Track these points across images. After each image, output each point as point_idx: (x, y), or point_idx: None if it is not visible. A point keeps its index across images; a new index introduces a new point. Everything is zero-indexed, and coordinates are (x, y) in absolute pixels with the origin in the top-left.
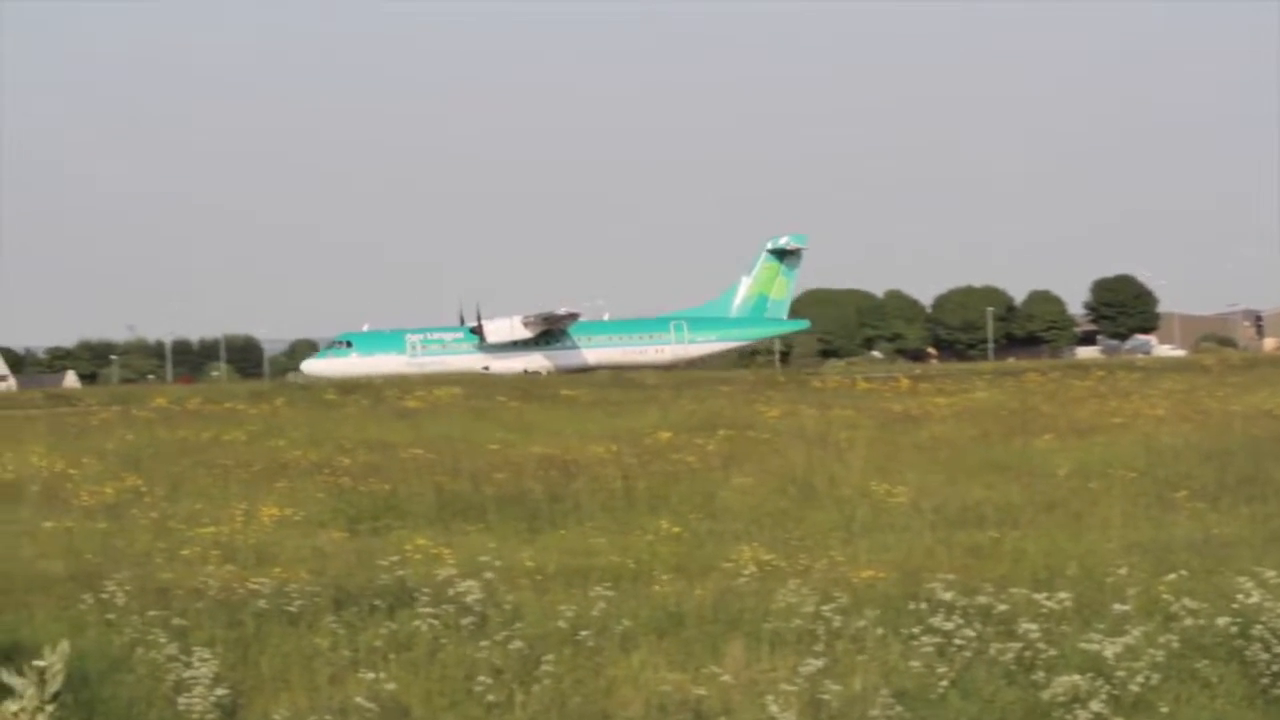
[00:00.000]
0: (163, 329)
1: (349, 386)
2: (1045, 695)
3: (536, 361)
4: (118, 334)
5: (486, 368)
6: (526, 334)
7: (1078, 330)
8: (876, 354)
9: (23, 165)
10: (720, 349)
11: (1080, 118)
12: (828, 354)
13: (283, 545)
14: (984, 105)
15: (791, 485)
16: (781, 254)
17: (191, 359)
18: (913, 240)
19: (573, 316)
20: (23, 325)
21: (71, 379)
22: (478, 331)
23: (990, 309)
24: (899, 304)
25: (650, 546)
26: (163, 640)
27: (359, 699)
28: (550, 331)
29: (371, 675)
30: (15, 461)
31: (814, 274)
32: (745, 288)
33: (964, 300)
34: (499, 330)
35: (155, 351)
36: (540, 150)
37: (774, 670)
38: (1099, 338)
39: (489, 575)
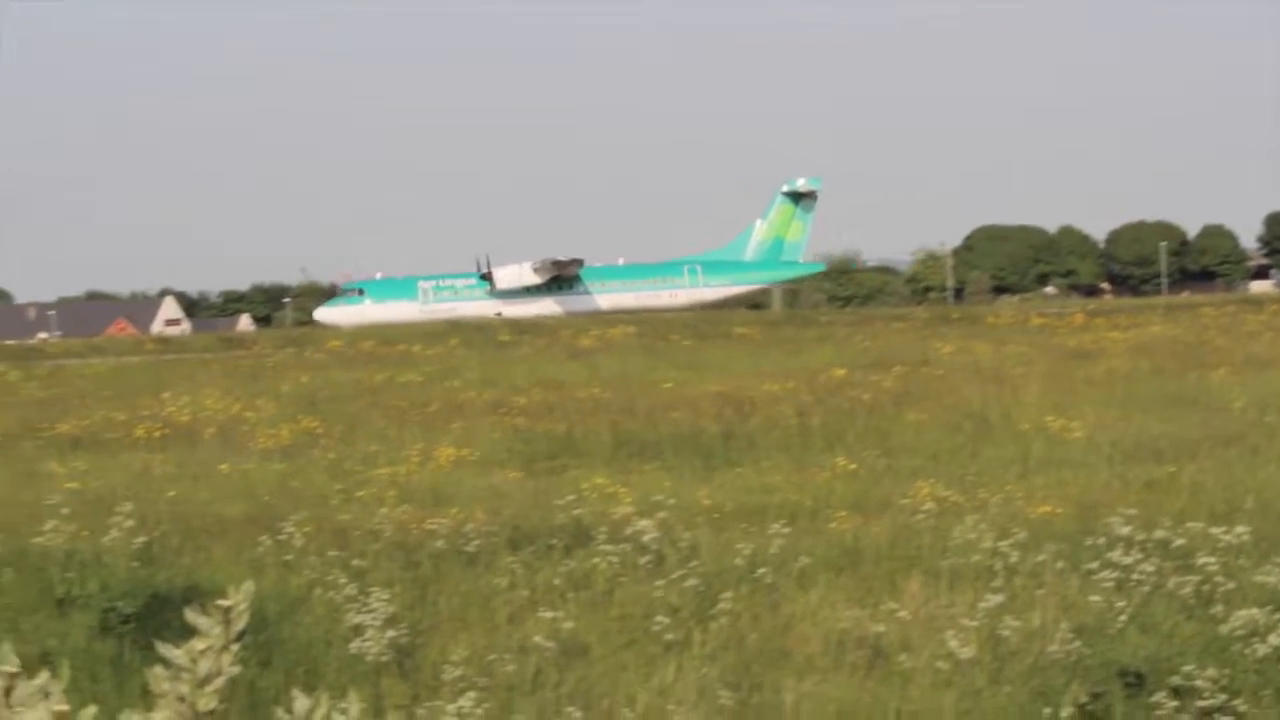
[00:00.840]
0: (334, 272)
1: (524, 327)
2: (1224, 629)
3: (548, 307)
4: (290, 277)
5: (499, 314)
6: (536, 280)
7: (1250, 264)
8: (1050, 290)
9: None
10: (735, 293)
11: (1253, 50)
12: (1001, 290)
13: (459, 486)
14: (1154, 36)
15: (967, 421)
16: (797, 196)
17: None
18: (1085, 175)
19: (577, 263)
20: (197, 270)
21: (245, 322)
22: (487, 278)
23: (1163, 244)
24: (1072, 240)
25: (827, 484)
26: (341, 581)
27: (537, 638)
28: (561, 277)
29: (550, 614)
30: (191, 405)
31: (987, 211)
32: (760, 231)
33: (1137, 235)
34: (508, 276)
35: (328, 294)
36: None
37: (952, 606)
38: (1272, 272)
39: (665, 514)
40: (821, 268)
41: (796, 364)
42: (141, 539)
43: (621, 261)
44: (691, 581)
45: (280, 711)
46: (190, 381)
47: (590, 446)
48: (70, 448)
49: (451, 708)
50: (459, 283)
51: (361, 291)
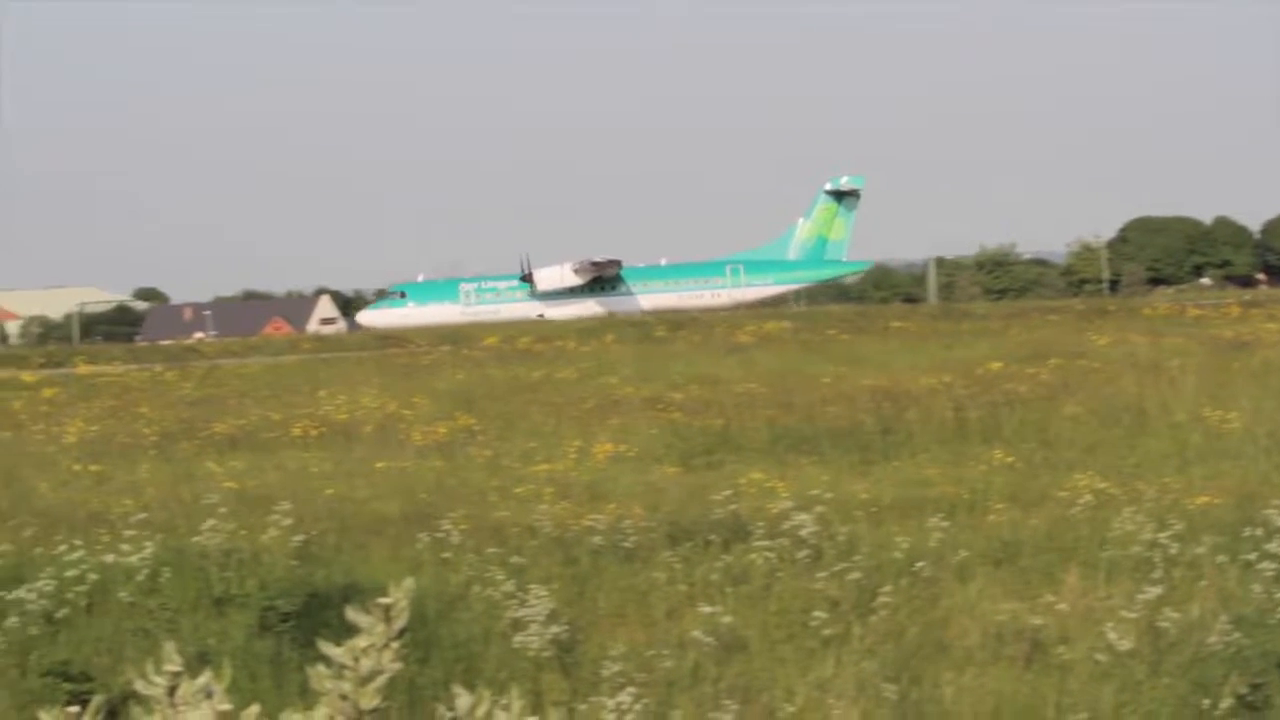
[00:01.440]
0: (490, 268)
1: (679, 322)
2: None
3: (590, 308)
4: (444, 274)
5: (541, 315)
6: (577, 280)
7: None
8: (1205, 281)
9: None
10: (777, 292)
11: None
12: (1156, 282)
13: (617, 482)
14: None
15: (1124, 413)
16: (840, 195)
17: None
18: (1241, 165)
19: (614, 263)
20: (351, 268)
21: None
22: (528, 279)
23: None
24: (1227, 230)
25: (984, 476)
26: (499, 578)
27: (696, 633)
28: (602, 278)
29: (708, 609)
30: (348, 403)
31: (1142, 203)
32: (802, 230)
33: None
34: (549, 278)
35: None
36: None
37: (1110, 598)
38: None
39: (823, 508)
40: (867, 266)
41: (952, 357)
42: (299, 537)
43: (664, 261)
44: (851, 575)
45: (441, 708)
46: (347, 380)
47: (747, 441)
48: (228, 447)
49: (610, 703)
50: (501, 284)
51: (404, 294)
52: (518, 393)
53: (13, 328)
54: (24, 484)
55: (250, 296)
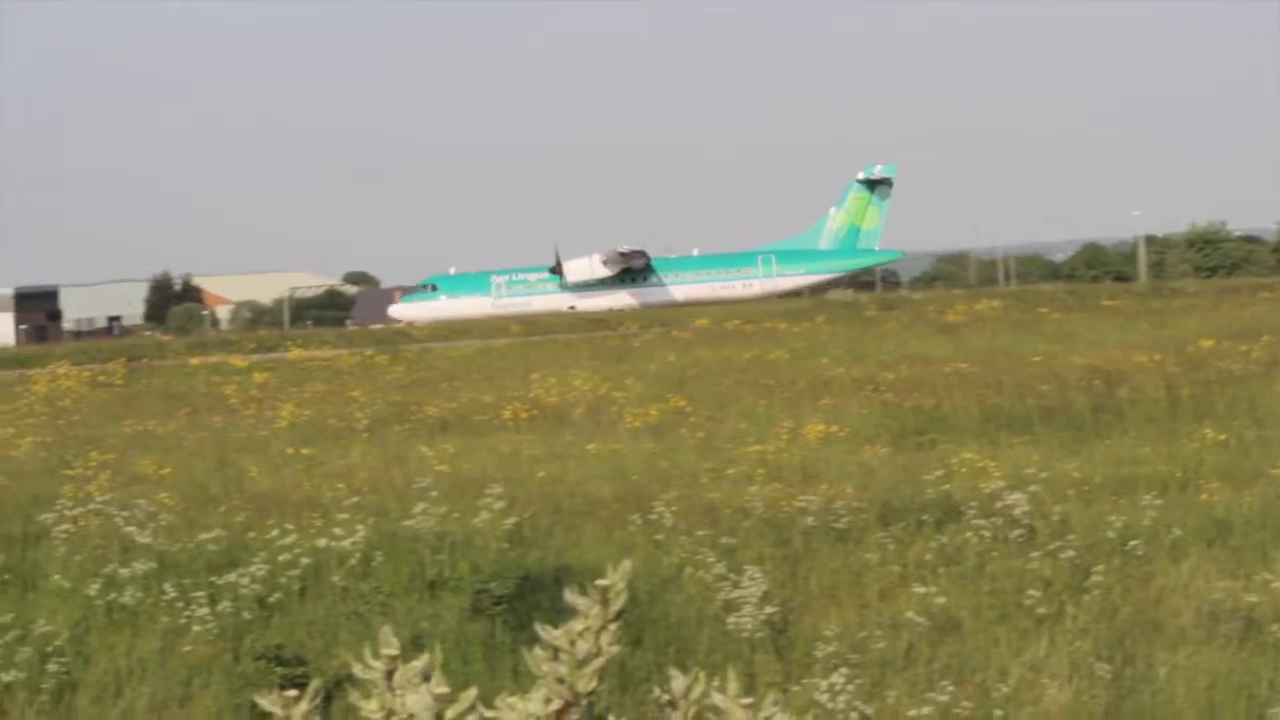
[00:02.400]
0: (695, 248)
1: (889, 302)
2: None
3: (622, 299)
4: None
5: (572, 307)
6: (606, 272)
7: None
8: None
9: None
10: (810, 282)
11: None
12: None
13: (828, 462)
14: None
15: None
16: (872, 184)
17: None
18: None
19: (640, 255)
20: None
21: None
22: (557, 270)
23: None
24: None
25: (1196, 455)
26: (711, 559)
27: (909, 614)
28: (632, 269)
29: (921, 589)
30: (559, 386)
31: None
32: (835, 219)
33: None
34: (578, 269)
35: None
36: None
37: None
38: None
39: (1035, 487)
40: (899, 255)
41: (1164, 335)
42: (511, 520)
43: (696, 252)
44: (1065, 554)
45: (656, 690)
46: (557, 362)
47: (959, 421)
48: (439, 430)
49: (824, 684)
50: (531, 276)
51: (434, 287)
52: (729, 374)
53: (223, 313)
54: (236, 468)
55: None
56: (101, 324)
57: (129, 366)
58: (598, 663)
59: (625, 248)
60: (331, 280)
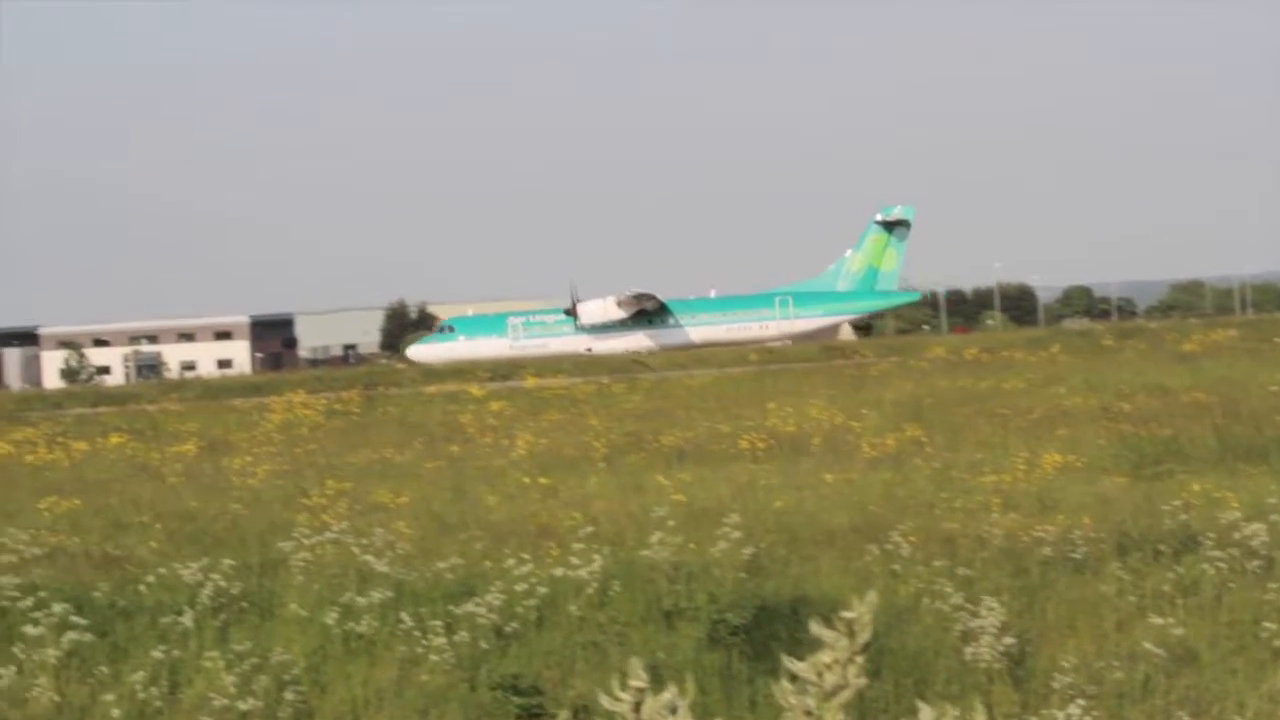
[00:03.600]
0: (934, 279)
1: (1126, 332)
2: None
3: (639, 341)
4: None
5: (589, 349)
6: (621, 314)
7: None
8: None
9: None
10: (827, 323)
11: None
12: None
13: (1065, 492)
14: None
15: None
16: (890, 225)
17: (966, 309)
18: None
19: (648, 297)
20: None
21: (846, 331)
22: (571, 312)
23: None
24: None
25: None
26: (948, 590)
27: (1146, 644)
28: (646, 311)
29: (1158, 620)
30: (795, 415)
31: None
32: (853, 261)
33: None
34: (592, 312)
35: (928, 302)
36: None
37: None
38: None
39: (1275, 517)
40: (917, 297)
41: None
42: (748, 550)
43: (714, 293)
44: None
45: None
46: (794, 392)
47: (1196, 451)
48: (675, 460)
49: (1061, 715)
50: (549, 318)
51: (452, 329)
52: (965, 403)
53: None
54: (473, 497)
55: None
56: (337, 351)
57: (365, 395)
58: (845, 695)
59: (633, 290)
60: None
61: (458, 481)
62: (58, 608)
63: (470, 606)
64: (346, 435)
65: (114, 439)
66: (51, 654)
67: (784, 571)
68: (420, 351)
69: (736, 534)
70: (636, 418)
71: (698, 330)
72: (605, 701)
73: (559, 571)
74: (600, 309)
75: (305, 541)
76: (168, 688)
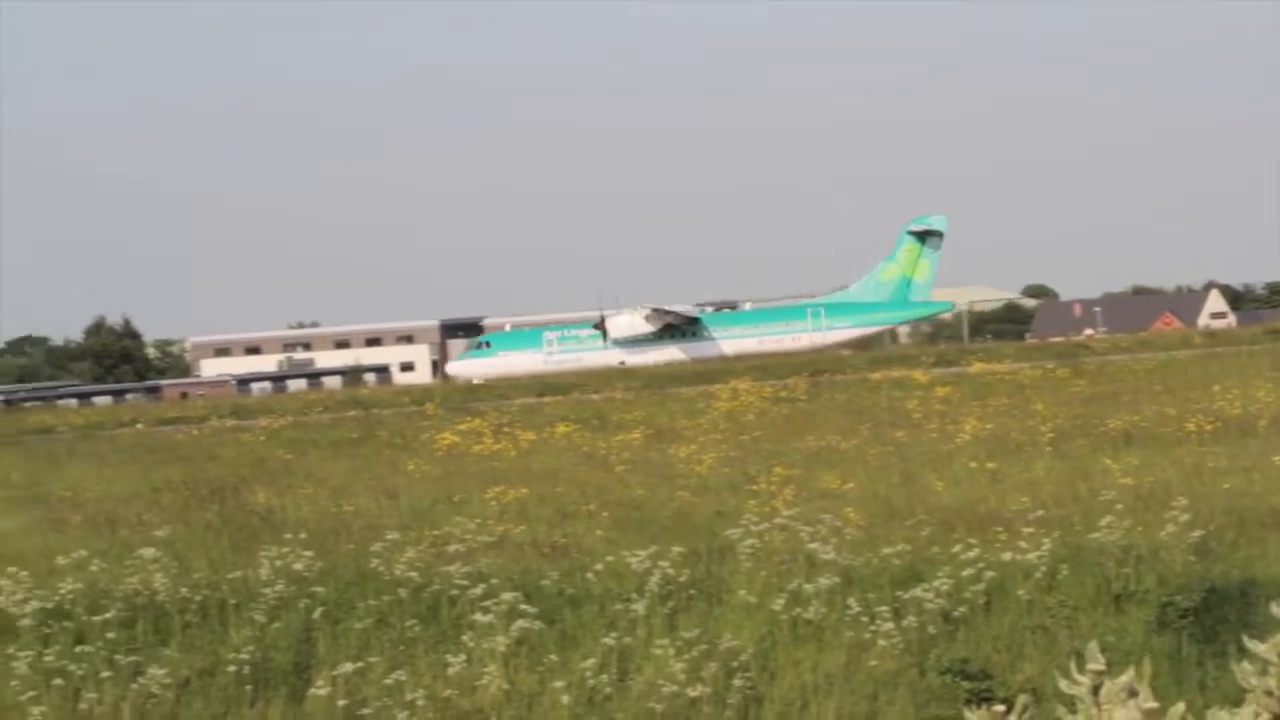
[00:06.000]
0: (747, 302)
1: None
2: None
3: (672, 354)
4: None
5: (623, 363)
6: (649, 328)
7: None
8: None
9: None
10: (859, 335)
11: None
12: None
13: None
14: None
15: None
16: (923, 236)
17: None
18: None
19: (669, 313)
20: (1241, 259)
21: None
22: (600, 327)
23: None
24: None
25: None
26: None
27: None
28: (673, 325)
29: None
30: (1242, 398)
31: None
32: (886, 272)
33: None
34: (620, 325)
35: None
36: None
37: None
38: None
39: None
40: (949, 307)
41: None
42: (1197, 533)
43: (748, 305)
44: None
45: None
46: (1240, 374)
47: None
48: (1122, 444)
49: None
50: (582, 333)
51: (489, 344)
52: None
53: (902, 327)
54: (920, 483)
55: (1139, 292)
56: None
57: (810, 382)
58: None
59: (649, 306)
60: (1010, 294)
61: (904, 467)
62: (507, 596)
63: (918, 591)
64: (792, 422)
65: (561, 429)
66: (501, 642)
67: (1232, 554)
68: (459, 367)
69: (1185, 517)
70: (1082, 401)
71: (730, 343)
72: (1063, 685)
73: (1007, 556)
74: (628, 323)
75: (753, 528)
76: (616, 675)
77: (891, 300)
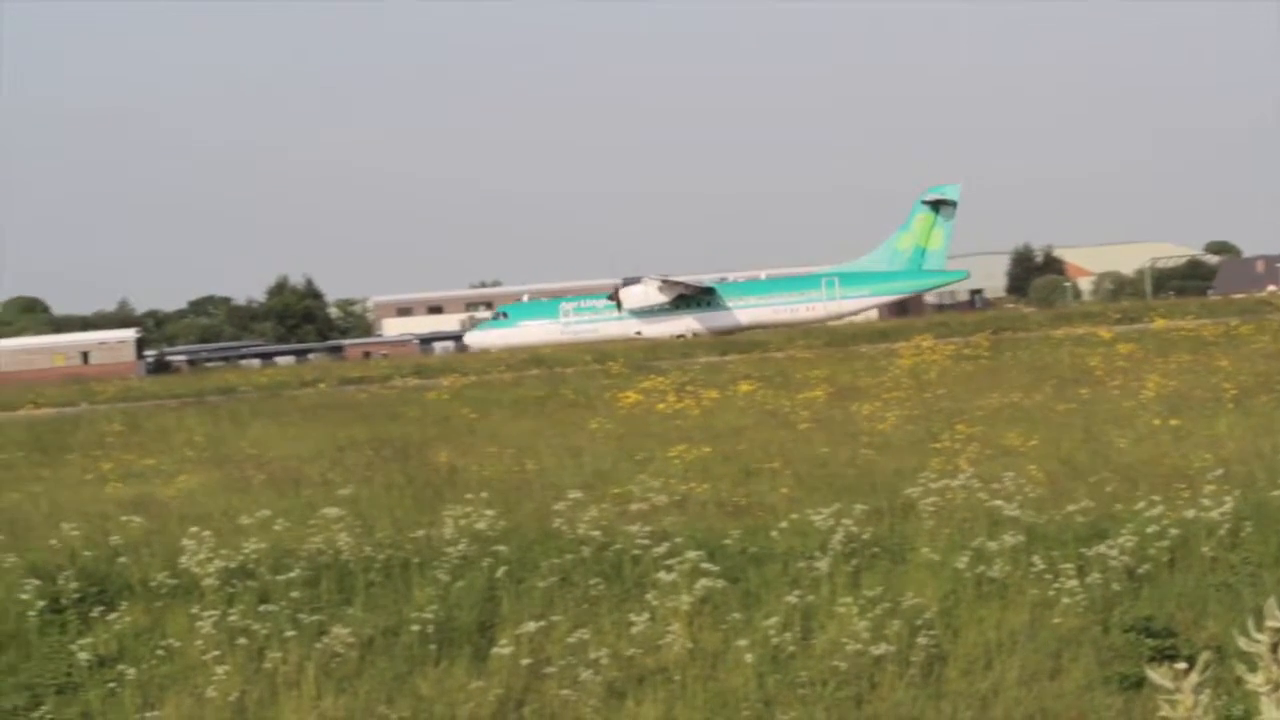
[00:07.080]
0: (763, 271)
1: None
2: None
3: (687, 324)
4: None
5: (639, 333)
6: (662, 298)
7: None
8: None
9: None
10: (874, 303)
11: None
12: None
13: None
14: None
15: None
16: (937, 205)
17: None
18: None
19: (680, 283)
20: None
21: None
22: (614, 298)
23: None
24: None
25: None
26: None
27: None
28: (686, 295)
29: None
30: None
31: None
32: (900, 241)
33: None
34: (633, 296)
35: None
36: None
37: None
38: None
39: None
40: (964, 275)
41: None
42: None
43: (764, 275)
44: None
45: None
46: None
47: None
48: None
49: None
50: (599, 304)
51: (507, 315)
52: None
53: (1085, 284)
54: (1103, 440)
55: None
56: (963, 297)
57: (993, 339)
58: None
59: (660, 276)
60: (1193, 250)
61: (1087, 424)
62: (690, 555)
63: (1102, 549)
64: (974, 379)
65: (744, 386)
66: (685, 600)
67: None
68: (479, 338)
69: None
70: (1266, 358)
71: (745, 313)
72: (1242, 643)
73: (1190, 513)
74: (641, 294)
75: (934, 486)
76: (800, 633)
77: (907, 270)
